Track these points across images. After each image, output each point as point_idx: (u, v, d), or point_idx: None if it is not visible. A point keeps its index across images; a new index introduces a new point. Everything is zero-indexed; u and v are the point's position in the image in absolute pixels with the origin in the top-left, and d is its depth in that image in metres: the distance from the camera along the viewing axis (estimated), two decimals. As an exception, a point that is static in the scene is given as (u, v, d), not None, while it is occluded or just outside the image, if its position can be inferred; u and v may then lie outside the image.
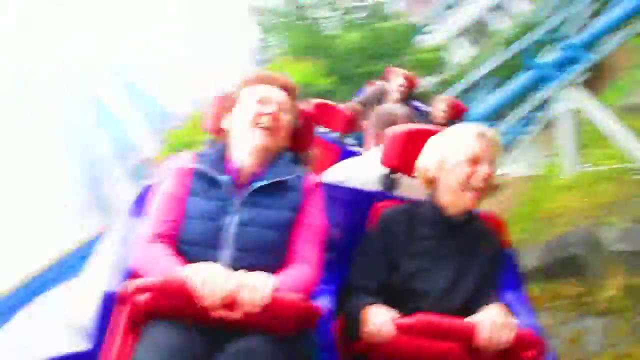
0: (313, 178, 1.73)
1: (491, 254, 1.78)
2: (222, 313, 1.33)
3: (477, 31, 25.99)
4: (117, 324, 1.49)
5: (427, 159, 1.79)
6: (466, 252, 1.74)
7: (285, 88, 1.74)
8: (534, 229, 5.39)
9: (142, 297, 1.42)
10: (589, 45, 8.07)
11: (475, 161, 1.70)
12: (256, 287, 1.32)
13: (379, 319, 1.54)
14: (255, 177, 1.63)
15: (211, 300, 1.31)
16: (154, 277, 1.39)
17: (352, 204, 1.91)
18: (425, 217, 1.75)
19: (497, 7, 24.06)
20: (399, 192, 2.06)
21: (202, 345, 1.40)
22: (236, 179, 1.62)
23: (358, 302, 1.63)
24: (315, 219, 1.65)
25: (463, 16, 27.48)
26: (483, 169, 1.69)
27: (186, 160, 1.68)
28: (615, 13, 8.82)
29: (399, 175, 2.06)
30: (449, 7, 28.43)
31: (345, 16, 19.66)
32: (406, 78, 3.98)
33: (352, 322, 1.63)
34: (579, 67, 6.88)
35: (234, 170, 1.64)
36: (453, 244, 1.73)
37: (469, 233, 1.77)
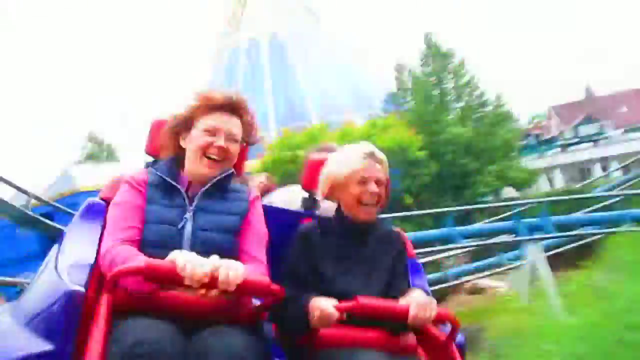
0: (255, 191, 1.89)
1: (395, 252, 1.94)
2: (203, 292, 1.44)
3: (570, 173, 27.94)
4: (90, 318, 1.48)
5: (323, 180, 1.97)
6: (374, 254, 1.89)
7: (236, 110, 1.81)
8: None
9: (128, 282, 1.52)
10: (563, 226, 9.83)
11: (363, 181, 1.87)
12: (231, 268, 1.45)
13: (323, 305, 1.66)
14: (206, 185, 1.76)
15: (194, 278, 1.41)
16: (138, 262, 1.47)
17: (280, 222, 2.01)
18: (335, 227, 1.91)
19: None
20: (319, 212, 2.20)
21: (178, 334, 1.48)
22: (188, 188, 1.75)
23: (299, 299, 1.72)
24: (260, 227, 1.79)
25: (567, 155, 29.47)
26: (370, 188, 1.86)
27: (140, 172, 1.80)
28: (600, 216, 10.79)
29: (318, 197, 2.19)
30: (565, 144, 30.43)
31: (465, 107, 21.68)
32: (268, 178, 3.80)
33: (296, 318, 1.72)
34: (541, 236, 8.70)
35: (186, 180, 1.77)
36: (362, 248, 1.89)
37: (374, 238, 1.93)
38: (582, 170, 28.67)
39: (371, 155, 1.90)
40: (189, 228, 1.67)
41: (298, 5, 44.15)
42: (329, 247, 1.87)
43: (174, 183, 1.74)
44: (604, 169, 27.79)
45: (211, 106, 1.78)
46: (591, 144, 31.59)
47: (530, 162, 26.47)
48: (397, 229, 2.12)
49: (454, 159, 19.88)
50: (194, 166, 1.76)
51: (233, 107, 1.79)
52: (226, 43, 43.56)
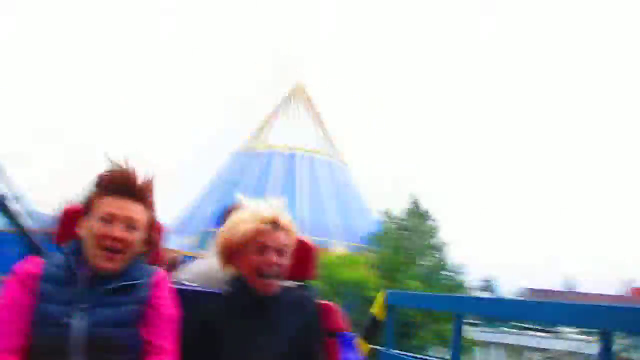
0: (161, 273, 1.71)
1: (302, 323, 1.79)
2: None
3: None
4: None
5: (218, 246, 1.80)
6: (276, 326, 1.75)
7: (138, 196, 1.63)
8: None
9: None
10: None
11: (261, 250, 1.71)
12: None
13: None
14: (106, 278, 1.59)
15: None
16: None
17: (196, 304, 1.79)
18: (238, 300, 1.76)
19: None
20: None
21: None
22: (88, 281, 1.57)
23: None
24: (166, 309, 1.63)
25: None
26: (270, 258, 1.71)
27: (32, 264, 1.60)
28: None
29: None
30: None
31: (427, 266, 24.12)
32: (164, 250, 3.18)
33: None
34: None
35: (85, 273, 1.58)
36: (264, 320, 1.75)
37: (278, 308, 1.78)
38: (522, 355, 30.43)
39: (273, 221, 1.74)
40: (81, 327, 1.50)
41: (325, 138, 49.13)
42: (231, 324, 1.74)
43: (63, 279, 1.57)
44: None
45: (107, 189, 1.61)
46: (545, 333, 33.39)
47: (480, 333, 28.40)
48: (328, 305, 1.99)
49: (403, 308, 21.92)
50: (93, 258, 1.59)
51: (132, 190, 1.62)
52: (247, 146, 47.95)
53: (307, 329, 1.81)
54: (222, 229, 1.81)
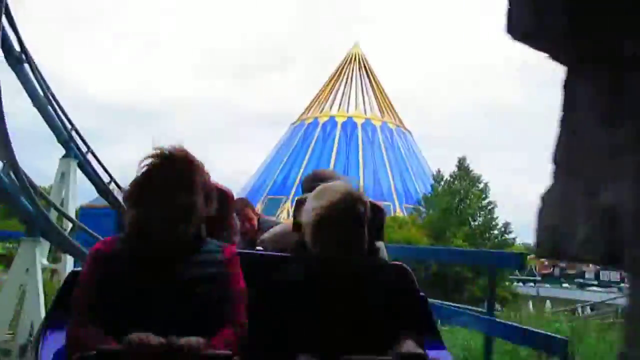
0: (231, 248, 1.79)
1: (388, 291, 1.81)
2: None
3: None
4: None
5: (307, 226, 1.80)
6: (364, 297, 1.76)
7: (183, 169, 1.67)
8: None
9: None
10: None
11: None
12: (189, 346, 1.45)
13: None
14: (177, 251, 1.65)
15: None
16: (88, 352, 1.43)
17: (268, 269, 1.84)
18: (318, 271, 1.77)
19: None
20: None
21: None
22: (158, 257, 1.63)
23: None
24: (238, 287, 1.69)
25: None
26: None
27: (106, 244, 1.69)
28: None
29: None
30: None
31: (476, 227, 25.54)
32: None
33: None
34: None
35: (154, 248, 1.63)
36: (352, 292, 1.76)
37: (363, 278, 1.80)
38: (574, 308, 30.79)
39: (355, 199, 1.77)
40: (160, 303, 1.57)
41: (383, 104, 50.02)
42: (315, 296, 1.73)
43: (141, 256, 1.62)
44: (592, 309, 29.83)
45: (159, 164, 1.65)
46: (604, 288, 33.49)
47: (534, 288, 29.38)
48: (396, 263, 2.07)
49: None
50: (157, 232, 1.64)
51: (178, 168, 1.67)
52: (307, 116, 49.80)
53: (393, 299, 1.81)
54: (312, 205, 1.79)
